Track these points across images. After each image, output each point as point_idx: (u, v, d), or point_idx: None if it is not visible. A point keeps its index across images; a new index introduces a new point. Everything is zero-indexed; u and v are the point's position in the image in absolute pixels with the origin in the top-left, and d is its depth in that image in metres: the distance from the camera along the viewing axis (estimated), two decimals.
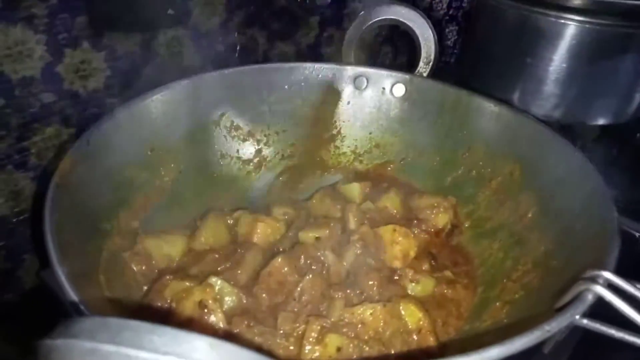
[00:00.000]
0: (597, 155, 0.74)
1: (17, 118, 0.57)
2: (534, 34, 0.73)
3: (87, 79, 0.60)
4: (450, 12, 1.10)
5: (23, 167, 0.59)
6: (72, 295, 0.35)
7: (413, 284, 0.54)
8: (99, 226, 0.50)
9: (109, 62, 0.61)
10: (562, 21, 0.70)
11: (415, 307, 0.49)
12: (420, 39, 0.71)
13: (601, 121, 0.77)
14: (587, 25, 0.68)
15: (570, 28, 0.70)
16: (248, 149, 0.69)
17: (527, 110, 0.74)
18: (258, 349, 0.43)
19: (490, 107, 0.64)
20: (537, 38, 0.73)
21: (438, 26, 1.10)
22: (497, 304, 0.52)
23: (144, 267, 0.52)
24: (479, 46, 0.85)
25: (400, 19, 0.71)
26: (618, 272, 0.38)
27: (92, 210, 0.50)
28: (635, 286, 0.36)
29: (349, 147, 0.73)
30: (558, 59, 0.73)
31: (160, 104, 0.59)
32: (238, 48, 0.74)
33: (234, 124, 0.68)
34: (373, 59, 0.97)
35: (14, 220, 0.60)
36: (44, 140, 0.60)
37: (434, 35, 0.71)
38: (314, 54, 0.86)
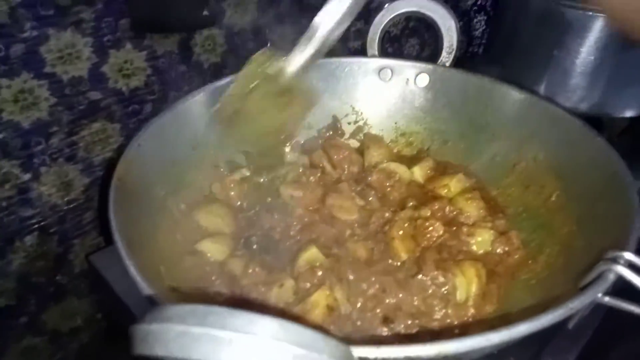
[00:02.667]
0: (624, 147, 0.74)
1: (67, 115, 0.61)
2: (561, 26, 0.73)
3: (129, 77, 0.64)
4: (479, 2, 1.11)
5: (72, 160, 0.64)
6: (146, 289, 0.39)
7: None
8: (155, 221, 0.54)
9: (149, 61, 0.65)
10: (590, 13, 0.70)
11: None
12: (442, 29, 0.72)
13: (629, 113, 0.76)
14: None
15: (598, 20, 0.69)
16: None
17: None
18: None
19: (512, 94, 0.65)
20: (564, 30, 0.73)
21: (466, 16, 1.10)
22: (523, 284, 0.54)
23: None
24: (506, 37, 0.86)
25: (423, 10, 0.72)
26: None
27: (149, 206, 0.54)
28: None
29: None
30: (585, 51, 0.72)
31: (198, 105, 0.63)
32: (269, 45, 0.77)
33: None
34: (400, 51, 0.99)
35: (65, 208, 0.65)
36: (91, 134, 0.64)
37: (456, 26, 0.72)
38: (343, 48, 0.88)
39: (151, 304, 0.40)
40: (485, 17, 1.14)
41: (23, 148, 0.59)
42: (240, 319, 0.26)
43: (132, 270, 0.40)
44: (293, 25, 0.79)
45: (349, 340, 0.29)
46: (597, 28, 0.70)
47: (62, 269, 0.68)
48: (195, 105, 0.63)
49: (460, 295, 0.50)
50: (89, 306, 0.72)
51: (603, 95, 0.74)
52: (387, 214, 0.59)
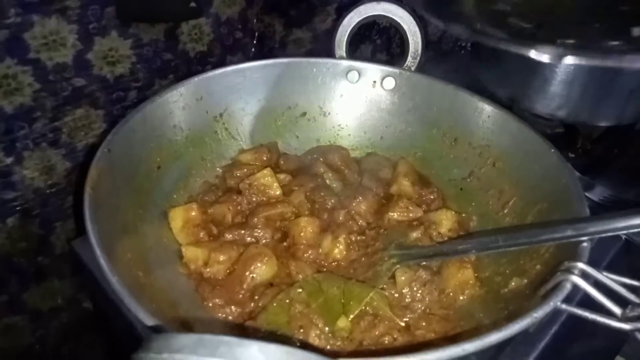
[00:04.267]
0: (595, 155, 0.76)
1: (51, 101, 0.61)
2: None
3: (114, 65, 0.65)
4: None
5: (55, 145, 0.64)
6: (149, 320, 0.39)
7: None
8: (134, 224, 0.54)
9: (134, 49, 0.65)
10: None
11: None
12: (408, 34, 0.75)
13: (604, 122, 0.77)
14: None
15: None
16: (250, 144, 0.72)
17: (532, 108, 0.75)
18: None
19: (474, 102, 0.68)
20: None
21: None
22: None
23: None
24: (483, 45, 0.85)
25: (389, 15, 0.74)
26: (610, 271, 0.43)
27: (125, 210, 0.54)
28: (603, 274, 0.42)
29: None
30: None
31: (167, 105, 0.62)
32: (256, 35, 0.77)
33: (236, 120, 0.70)
34: (368, 51, 0.99)
35: (47, 191, 0.66)
36: (74, 120, 0.64)
37: (420, 31, 0.74)
38: (331, 40, 0.88)
39: (155, 332, 0.39)
40: None
41: (6, 133, 0.59)
42: (250, 347, 0.27)
43: (113, 281, 0.40)
44: (280, 17, 0.79)
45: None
46: None
47: (44, 251, 0.69)
48: (163, 106, 0.62)
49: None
50: (70, 287, 0.74)
51: (580, 104, 0.74)
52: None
